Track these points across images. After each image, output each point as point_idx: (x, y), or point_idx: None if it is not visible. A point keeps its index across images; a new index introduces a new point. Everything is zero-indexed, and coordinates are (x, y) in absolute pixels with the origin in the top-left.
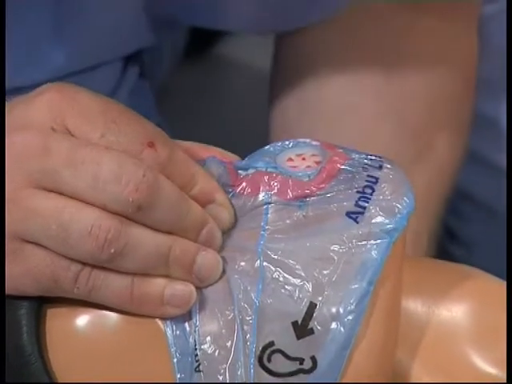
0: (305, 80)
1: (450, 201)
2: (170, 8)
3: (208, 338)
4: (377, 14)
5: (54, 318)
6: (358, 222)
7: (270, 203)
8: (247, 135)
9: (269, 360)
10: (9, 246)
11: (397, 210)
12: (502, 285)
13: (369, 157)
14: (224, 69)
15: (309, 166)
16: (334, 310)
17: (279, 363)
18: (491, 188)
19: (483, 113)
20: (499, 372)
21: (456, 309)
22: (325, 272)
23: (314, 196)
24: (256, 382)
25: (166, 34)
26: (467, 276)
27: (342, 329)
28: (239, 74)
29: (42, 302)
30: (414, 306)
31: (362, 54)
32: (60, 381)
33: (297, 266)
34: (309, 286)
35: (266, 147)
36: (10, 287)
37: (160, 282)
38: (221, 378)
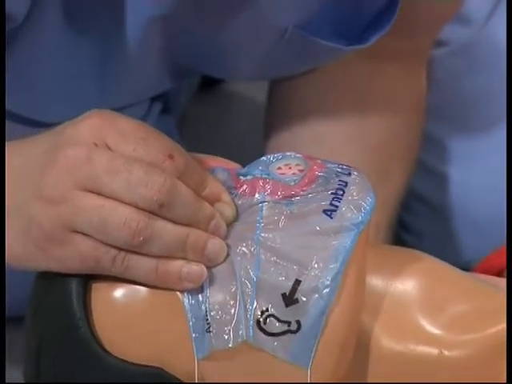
0: (292, 112)
1: (405, 201)
2: (189, 64)
3: (216, 306)
4: (349, 61)
5: (97, 291)
6: (332, 218)
7: (264, 202)
8: (246, 151)
9: (264, 323)
10: (61, 235)
11: (362, 207)
12: (444, 265)
13: (340, 166)
14: (229, 101)
15: (294, 173)
16: (314, 284)
17: (272, 325)
18: (437, 191)
19: (431, 133)
20: (441, 332)
21: (408, 283)
22: (307, 256)
23: (298, 196)
24: (254, 339)
25: (184, 78)
26: (417, 258)
27: (320, 299)
28: (241, 106)
29: (87, 279)
30: (375, 281)
31: (336, 92)
32: (101, 338)
33: (285, 251)
34: (295, 267)
35: (261, 158)
36: (62, 267)
37: (179, 262)
38: (226, 336)
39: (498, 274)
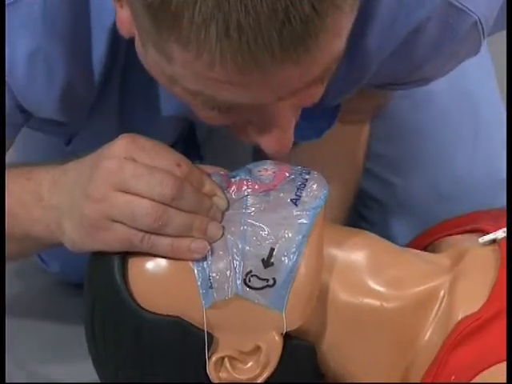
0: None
1: (363, 200)
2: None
3: (216, 270)
4: None
5: (133, 264)
6: (297, 205)
7: (248, 195)
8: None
9: (249, 280)
10: (104, 224)
11: (319, 197)
12: (386, 241)
13: (302, 168)
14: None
15: (269, 174)
16: (284, 251)
17: (255, 282)
18: (385, 193)
19: (382, 153)
20: (382, 289)
21: (359, 253)
22: (279, 231)
23: (272, 190)
24: (243, 293)
25: None
26: (366, 236)
27: (289, 262)
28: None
29: (125, 256)
30: (335, 251)
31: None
32: (136, 298)
33: (264, 229)
34: (270, 239)
35: (246, 166)
36: (106, 248)
37: (188, 240)
38: (223, 291)
39: (423, 249)
